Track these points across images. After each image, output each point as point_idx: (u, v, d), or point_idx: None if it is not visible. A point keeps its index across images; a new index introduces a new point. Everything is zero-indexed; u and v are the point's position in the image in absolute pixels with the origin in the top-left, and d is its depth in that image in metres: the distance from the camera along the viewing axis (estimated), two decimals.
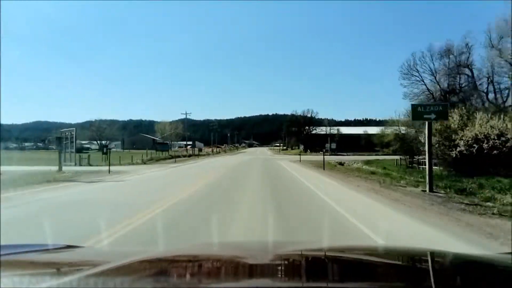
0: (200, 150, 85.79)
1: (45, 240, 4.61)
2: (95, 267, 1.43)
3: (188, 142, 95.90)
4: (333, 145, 71.62)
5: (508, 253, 2.50)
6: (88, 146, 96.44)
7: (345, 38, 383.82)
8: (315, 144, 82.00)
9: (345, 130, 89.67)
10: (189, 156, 58.95)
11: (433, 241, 5.79)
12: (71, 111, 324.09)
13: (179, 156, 54.82)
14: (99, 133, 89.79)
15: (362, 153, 65.99)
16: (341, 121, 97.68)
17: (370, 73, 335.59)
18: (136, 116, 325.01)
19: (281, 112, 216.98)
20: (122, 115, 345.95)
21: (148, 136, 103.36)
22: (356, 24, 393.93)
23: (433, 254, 2.07)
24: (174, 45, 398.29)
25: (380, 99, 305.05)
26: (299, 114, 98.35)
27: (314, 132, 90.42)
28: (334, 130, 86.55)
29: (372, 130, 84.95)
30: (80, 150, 70.02)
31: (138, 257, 1.77)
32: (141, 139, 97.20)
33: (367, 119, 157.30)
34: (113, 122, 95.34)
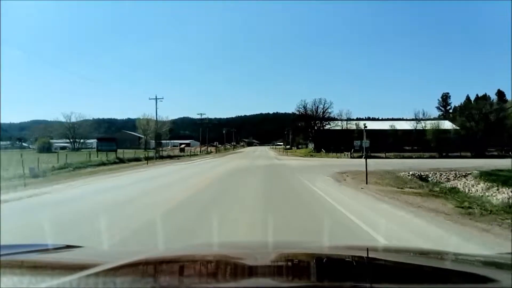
0: (182, 150, 69.88)
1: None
2: (95, 267, 1.43)
3: (185, 141, 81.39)
4: (366, 143, 51.86)
5: (508, 253, 2.40)
6: (66, 145, 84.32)
7: (345, 42, 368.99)
8: (329, 142, 64.54)
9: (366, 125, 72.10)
10: (160, 158, 41.17)
11: None
12: (70, 110, 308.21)
13: (139, 160, 36.18)
14: (72, 131, 76.19)
15: (396, 153, 49.89)
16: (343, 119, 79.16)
17: (370, 74, 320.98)
18: (135, 116, 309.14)
19: (282, 111, 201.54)
20: (121, 115, 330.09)
21: (134, 133, 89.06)
22: (355, 25, 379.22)
23: (433, 254, 2.08)
24: (174, 44, 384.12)
25: (381, 99, 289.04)
26: (308, 106, 77.31)
27: (328, 127, 71.98)
28: (352, 124, 68.32)
29: (401, 125, 68.88)
30: (48, 149, 59.74)
31: (138, 257, 1.77)
32: (127, 137, 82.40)
33: (368, 117, 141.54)
34: (85, 121, 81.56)
